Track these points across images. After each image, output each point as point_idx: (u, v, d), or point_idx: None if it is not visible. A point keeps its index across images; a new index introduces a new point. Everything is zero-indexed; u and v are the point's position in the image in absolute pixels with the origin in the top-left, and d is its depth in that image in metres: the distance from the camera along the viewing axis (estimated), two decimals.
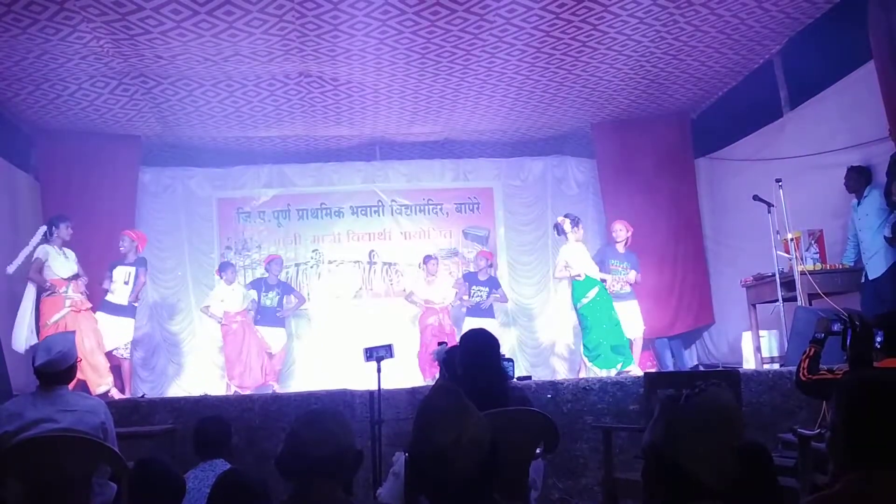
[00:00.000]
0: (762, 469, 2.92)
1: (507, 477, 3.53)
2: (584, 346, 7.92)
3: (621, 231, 8.54)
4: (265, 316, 9.13)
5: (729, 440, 1.93)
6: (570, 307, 9.50)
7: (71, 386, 3.94)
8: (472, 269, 9.66)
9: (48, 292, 7.38)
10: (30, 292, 7.48)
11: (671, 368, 9.05)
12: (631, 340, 8.24)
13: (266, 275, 9.40)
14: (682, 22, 6.95)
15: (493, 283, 9.29)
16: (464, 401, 1.91)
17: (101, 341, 7.54)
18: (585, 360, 7.81)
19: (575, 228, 8.03)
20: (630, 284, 8.42)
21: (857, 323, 3.71)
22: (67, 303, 7.29)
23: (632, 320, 8.36)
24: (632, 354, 7.99)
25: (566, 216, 8.19)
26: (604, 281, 8.16)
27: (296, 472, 2.19)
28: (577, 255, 7.96)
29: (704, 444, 1.88)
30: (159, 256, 10.03)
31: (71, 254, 7.64)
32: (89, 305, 7.57)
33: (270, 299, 9.19)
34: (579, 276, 7.83)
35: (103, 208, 8.92)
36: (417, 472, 1.85)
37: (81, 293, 7.52)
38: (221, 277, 9.05)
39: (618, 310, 8.07)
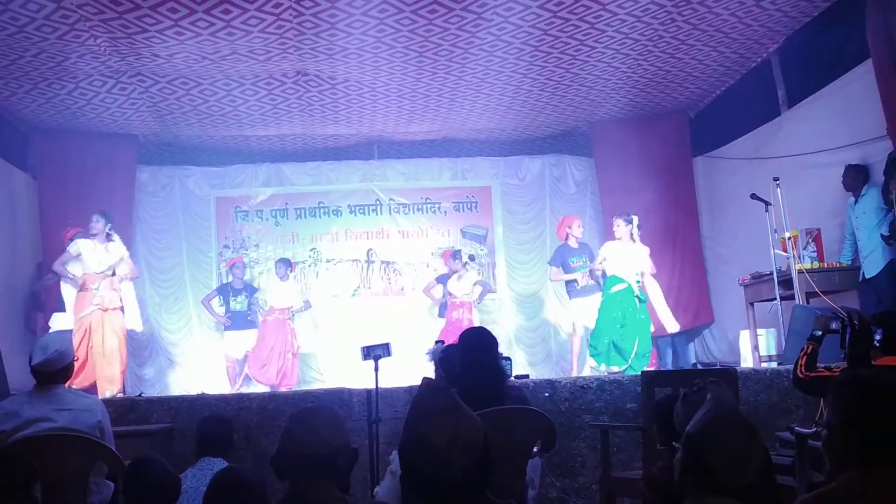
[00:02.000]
0: (763, 468, 2.93)
1: (505, 476, 3.53)
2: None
3: (579, 229, 8.63)
4: (236, 320, 9.20)
5: (756, 444, 1.96)
6: (568, 305, 9.53)
7: (86, 385, 3.93)
8: (446, 272, 9.65)
9: (80, 288, 7.19)
10: (63, 286, 7.48)
11: (670, 367, 9.05)
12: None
13: (231, 279, 9.49)
14: (679, 20, 6.95)
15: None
16: (456, 399, 1.89)
17: (124, 344, 7.23)
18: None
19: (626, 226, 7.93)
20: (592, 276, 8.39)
21: (856, 322, 3.70)
22: (95, 300, 7.06)
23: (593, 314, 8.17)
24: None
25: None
26: (575, 282, 8.38)
27: (291, 471, 2.18)
28: (612, 252, 7.88)
29: (736, 443, 1.91)
30: (157, 255, 10.03)
31: (116, 247, 7.33)
32: (118, 305, 7.25)
33: (240, 303, 9.24)
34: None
35: (101, 207, 8.86)
36: (411, 473, 1.84)
37: (116, 289, 7.26)
38: (277, 275, 9.23)
39: (582, 306, 8.28)
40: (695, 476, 1.95)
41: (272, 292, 9.21)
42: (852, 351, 3.66)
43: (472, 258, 10.06)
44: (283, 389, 8.67)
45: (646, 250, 7.87)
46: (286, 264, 9.30)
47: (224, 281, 9.78)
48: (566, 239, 8.64)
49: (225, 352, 9.35)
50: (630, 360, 7.50)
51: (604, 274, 7.92)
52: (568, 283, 8.60)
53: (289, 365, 8.90)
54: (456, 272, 9.24)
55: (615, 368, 7.43)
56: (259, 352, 8.90)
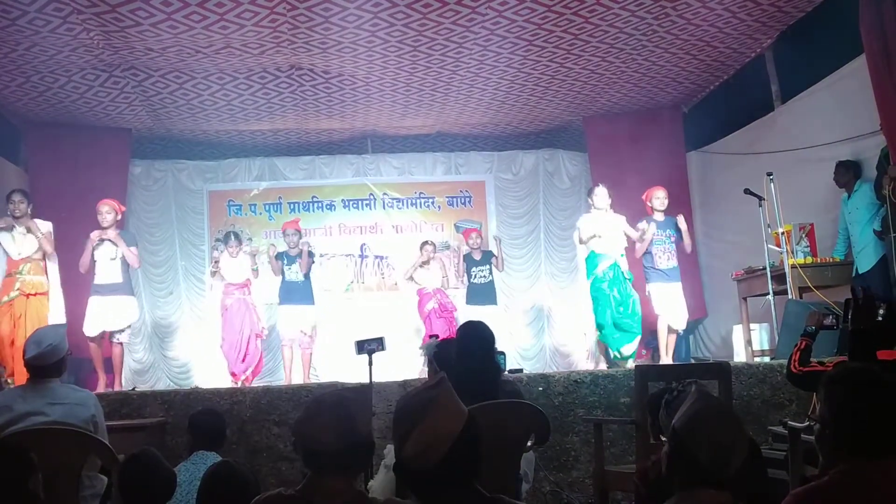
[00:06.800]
0: (752, 461, 2.94)
1: (499, 469, 3.54)
2: (598, 328, 7.62)
3: (658, 200, 7.73)
4: (292, 292, 8.11)
5: (741, 435, 1.97)
6: (565, 303, 9.51)
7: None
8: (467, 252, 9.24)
9: (6, 274, 6.82)
10: None
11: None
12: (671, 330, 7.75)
13: (285, 246, 8.40)
14: (673, 15, 6.95)
15: (489, 258, 8.92)
16: (449, 391, 1.87)
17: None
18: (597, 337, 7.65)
19: (588, 198, 7.88)
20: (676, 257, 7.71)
21: (860, 296, 3.66)
22: (17, 285, 6.72)
23: (676, 307, 7.70)
24: (660, 345, 7.71)
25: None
26: (653, 263, 7.63)
27: (309, 465, 2.10)
28: (592, 224, 7.60)
29: (720, 434, 1.92)
30: (150, 249, 10.00)
31: (41, 227, 6.89)
32: (45, 290, 6.85)
33: (296, 273, 8.10)
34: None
35: (93, 201, 8.81)
36: (405, 467, 1.81)
37: (44, 273, 6.87)
38: (226, 248, 8.27)
39: (662, 293, 7.60)
40: (682, 469, 1.96)
41: (224, 268, 8.15)
42: (855, 326, 3.61)
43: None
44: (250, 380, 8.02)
45: (622, 218, 7.63)
46: (235, 237, 8.31)
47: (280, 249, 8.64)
48: (652, 212, 7.83)
49: (280, 331, 8.29)
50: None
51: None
52: (646, 265, 7.73)
53: (253, 350, 8.00)
54: (427, 261, 8.84)
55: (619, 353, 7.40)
56: (231, 344, 7.89)
